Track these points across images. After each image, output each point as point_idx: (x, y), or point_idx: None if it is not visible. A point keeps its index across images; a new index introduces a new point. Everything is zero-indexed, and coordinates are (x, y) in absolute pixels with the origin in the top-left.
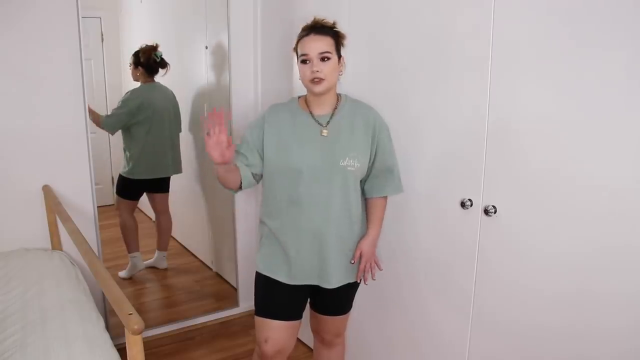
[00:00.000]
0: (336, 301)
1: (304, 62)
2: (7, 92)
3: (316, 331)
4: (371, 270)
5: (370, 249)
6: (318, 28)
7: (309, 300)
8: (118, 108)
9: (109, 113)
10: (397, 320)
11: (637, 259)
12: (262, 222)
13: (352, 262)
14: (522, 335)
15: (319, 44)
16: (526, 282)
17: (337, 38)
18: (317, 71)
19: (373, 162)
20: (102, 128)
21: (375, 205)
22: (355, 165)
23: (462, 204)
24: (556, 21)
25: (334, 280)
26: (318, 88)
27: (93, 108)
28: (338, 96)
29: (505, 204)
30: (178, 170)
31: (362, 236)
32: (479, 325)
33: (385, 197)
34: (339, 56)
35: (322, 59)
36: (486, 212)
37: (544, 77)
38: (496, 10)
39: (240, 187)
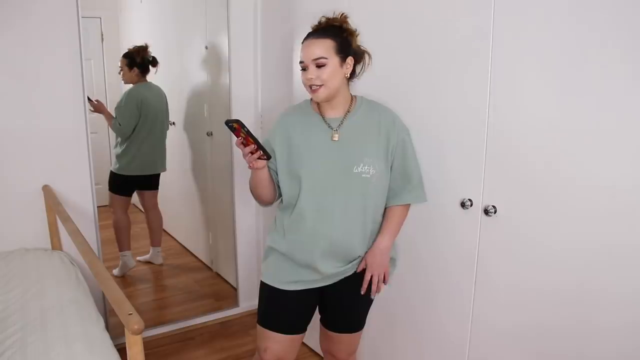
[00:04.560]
0: (347, 317)
1: (302, 68)
2: (7, 92)
3: (328, 351)
4: (378, 284)
5: (375, 259)
6: (319, 30)
7: (319, 317)
8: (123, 113)
9: (116, 117)
10: (396, 319)
11: (637, 258)
12: (270, 230)
13: (357, 271)
14: (522, 334)
15: (315, 50)
16: (526, 282)
17: (341, 37)
18: (311, 78)
19: (391, 168)
20: (118, 134)
21: (390, 215)
22: (371, 172)
23: (462, 204)
24: (556, 21)
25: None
26: (317, 96)
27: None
28: (353, 98)
29: (505, 204)
30: (164, 167)
31: None
32: (479, 324)
33: (403, 207)
34: (345, 56)
35: (318, 66)
36: (486, 212)
37: (544, 77)
38: (496, 10)
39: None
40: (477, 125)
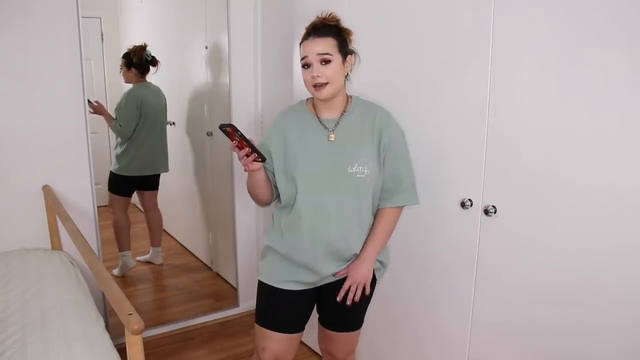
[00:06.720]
0: (345, 316)
1: (304, 66)
2: (7, 92)
3: (326, 350)
4: (355, 292)
5: (356, 270)
6: (319, 29)
7: (318, 317)
8: (124, 114)
9: (116, 119)
10: (396, 319)
11: (637, 259)
12: (268, 230)
13: (334, 275)
14: (522, 335)
15: (319, 46)
16: (526, 282)
17: (341, 37)
18: (318, 76)
19: (383, 168)
20: (118, 135)
21: (379, 220)
22: (365, 171)
23: (462, 204)
24: (556, 21)
25: (327, 271)
26: (321, 94)
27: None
28: (348, 98)
29: (505, 204)
30: (166, 168)
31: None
32: (479, 324)
33: (394, 210)
34: (345, 55)
35: (323, 62)
36: (486, 212)
37: (544, 77)
38: (496, 10)
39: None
40: (477, 125)
